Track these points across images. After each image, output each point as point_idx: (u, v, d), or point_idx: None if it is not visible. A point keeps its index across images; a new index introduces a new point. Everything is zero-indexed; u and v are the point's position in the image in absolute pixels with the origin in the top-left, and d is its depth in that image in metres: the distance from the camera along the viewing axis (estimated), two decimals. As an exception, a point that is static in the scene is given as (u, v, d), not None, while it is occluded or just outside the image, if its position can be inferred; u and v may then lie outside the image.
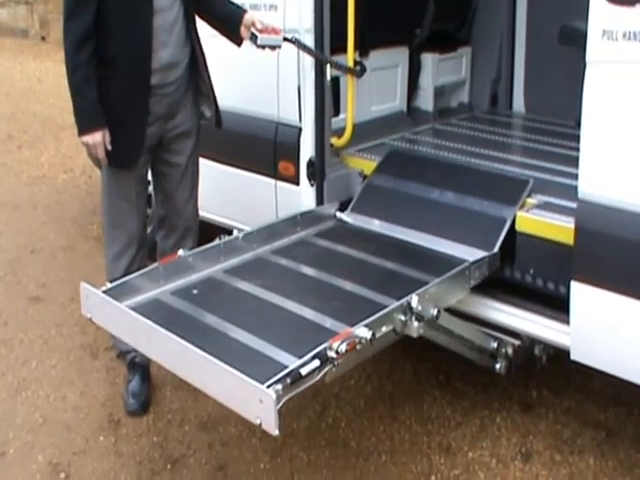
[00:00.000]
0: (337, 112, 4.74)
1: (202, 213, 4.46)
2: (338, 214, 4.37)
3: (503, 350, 3.84)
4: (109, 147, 3.82)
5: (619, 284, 3.28)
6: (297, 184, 4.51)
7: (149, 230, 4.69)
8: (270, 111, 4.63)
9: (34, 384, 4.46)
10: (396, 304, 3.28)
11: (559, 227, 3.63)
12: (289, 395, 2.76)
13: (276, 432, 2.68)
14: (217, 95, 4.19)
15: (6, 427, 4.11)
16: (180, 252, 3.78)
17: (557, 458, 3.85)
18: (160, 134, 4.04)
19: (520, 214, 3.83)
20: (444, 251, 3.92)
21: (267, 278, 3.75)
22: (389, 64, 5.40)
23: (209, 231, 4.75)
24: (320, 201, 4.46)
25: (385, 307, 3.28)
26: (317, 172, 4.43)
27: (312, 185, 4.45)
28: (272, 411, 2.65)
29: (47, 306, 5.32)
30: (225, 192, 4.94)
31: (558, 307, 3.60)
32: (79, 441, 4.00)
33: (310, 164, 4.43)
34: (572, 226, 3.44)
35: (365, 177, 4.54)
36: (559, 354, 3.77)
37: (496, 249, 3.80)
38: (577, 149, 3.40)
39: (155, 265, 3.71)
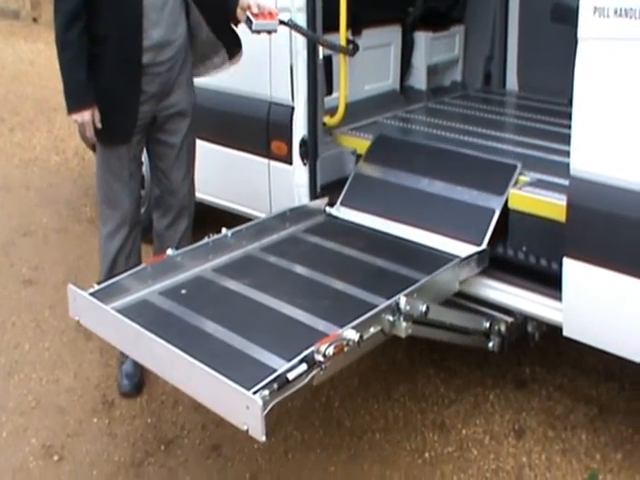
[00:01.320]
0: (330, 91, 4.73)
1: (196, 194, 4.44)
2: (327, 209, 4.36)
3: (496, 327, 3.84)
4: (99, 125, 3.81)
5: (611, 261, 3.28)
6: (290, 163, 4.50)
7: (143, 210, 4.67)
8: (262, 90, 4.62)
9: (27, 367, 4.46)
10: (383, 305, 3.27)
11: (551, 204, 3.64)
12: (276, 400, 2.75)
13: (263, 439, 2.68)
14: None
15: (-1, 409, 4.13)
16: (169, 251, 3.77)
17: (550, 434, 3.87)
18: (153, 113, 4.02)
19: (513, 191, 3.84)
20: (433, 246, 3.92)
21: (256, 277, 3.73)
22: (382, 43, 5.40)
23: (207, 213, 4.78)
24: (313, 180, 4.45)
25: (374, 307, 3.28)
26: (310, 151, 4.42)
27: (305, 164, 4.44)
28: (259, 418, 2.65)
29: (40, 289, 5.31)
30: (218, 172, 4.93)
31: (551, 284, 3.60)
32: (72, 423, 4.01)
33: (303, 143, 4.42)
34: (564, 203, 3.43)
35: (359, 156, 4.53)
36: (552, 331, 3.77)
37: (484, 245, 3.80)
38: (569, 127, 3.40)
39: (143, 265, 3.70)
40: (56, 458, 3.78)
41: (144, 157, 4.38)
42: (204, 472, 3.70)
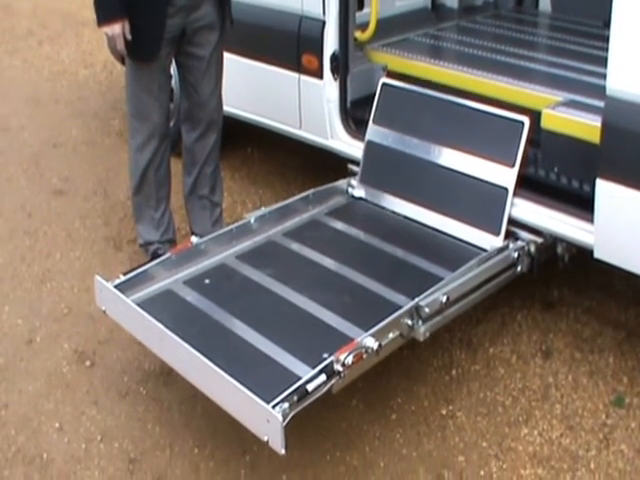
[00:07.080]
0: (361, 6, 4.69)
1: (225, 108, 4.43)
2: (350, 190, 4.35)
3: (525, 249, 3.81)
4: (129, 37, 3.80)
5: (646, 182, 3.26)
6: (321, 78, 4.48)
7: (172, 123, 4.67)
8: (294, 4, 4.56)
9: (58, 275, 4.51)
10: (403, 310, 3.27)
11: (585, 125, 3.60)
12: (295, 411, 2.78)
13: (283, 452, 2.71)
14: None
15: (32, 316, 4.18)
16: (193, 239, 3.80)
17: (577, 356, 3.88)
18: (183, 26, 3.99)
19: (546, 111, 3.78)
20: (453, 234, 3.93)
21: (278, 267, 3.75)
22: (414, -42, 5.31)
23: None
24: (344, 95, 4.45)
25: (394, 307, 3.32)
26: (341, 66, 4.41)
27: (335, 79, 4.43)
28: (279, 431, 2.68)
29: (70, 199, 5.33)
30: (248, 86, 4.91)
31: (582, 205, 3.58)
32: (103, 331, 4.06)
33: (334, 58, 4.40)
34: (598, 124, 3.39)
35: (389, 73, 4.49)
36: (581, 253, 3.76)
37: (501, 238, 3.78)
38: (604, 49, 3.35)
39: (168, 255, 3.72)
40: (88, 363, 3.85)
41: (173, 70, 4.36)
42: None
